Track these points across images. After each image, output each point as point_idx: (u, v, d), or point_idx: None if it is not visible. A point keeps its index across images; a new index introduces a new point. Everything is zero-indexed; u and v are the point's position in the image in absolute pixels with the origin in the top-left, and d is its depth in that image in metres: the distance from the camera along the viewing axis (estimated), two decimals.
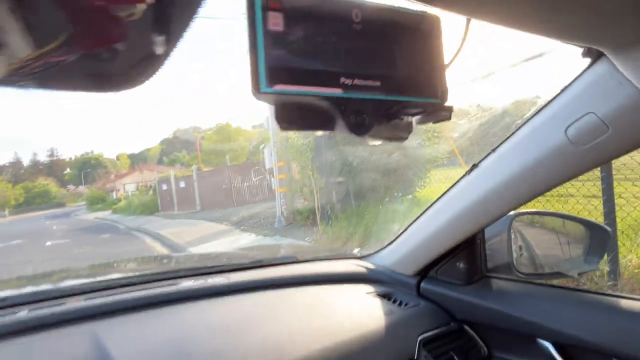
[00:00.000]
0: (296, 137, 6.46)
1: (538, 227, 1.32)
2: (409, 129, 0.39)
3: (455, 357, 0.86)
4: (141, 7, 0.27)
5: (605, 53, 0.49)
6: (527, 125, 0.67)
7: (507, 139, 0.72)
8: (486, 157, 0.77)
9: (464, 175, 0.85)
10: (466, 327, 0.94)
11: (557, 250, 1.20)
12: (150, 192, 18.26)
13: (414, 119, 0.38)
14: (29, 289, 0.91)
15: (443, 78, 0.37)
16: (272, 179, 7.70)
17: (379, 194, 5.85)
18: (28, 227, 15.50)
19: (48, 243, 9.21)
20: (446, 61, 0.38)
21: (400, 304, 0.96)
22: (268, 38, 0.29)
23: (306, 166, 6.66)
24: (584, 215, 3.18)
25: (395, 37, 0.34)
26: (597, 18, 0.42)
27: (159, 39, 0.32)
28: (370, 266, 1.14)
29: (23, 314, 0.75)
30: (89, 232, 11.33)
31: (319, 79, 0.31)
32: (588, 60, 0.53)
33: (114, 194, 26.66)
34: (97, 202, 25.70)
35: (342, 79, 0.32)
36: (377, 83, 0.33)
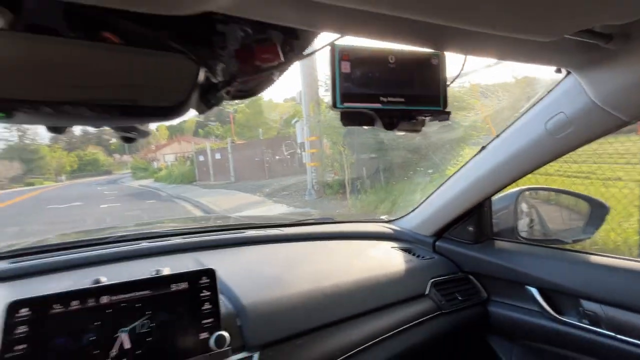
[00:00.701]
0: (329, 113, 6.58)
1: (553, 204, 1.49)
2: (422, 124, 0.61)
3: (459, 297, 1.10)
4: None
5: (571, 71, 0.67)
6: (521, 118, 0.86)
7: (507, 127, 0.91)
8: (492, 141, 0.97)
9: (474, 155, 1.04)
10: (471, 277, 1.17)
11: (562, 222, 1.38)
12: (188, 162, 19.32)
13: (426, 119, 0.61)
14: (142, 230, 1.25)
15: (445, 93, 0.58)
16: (304, 153, 7.95)
17: (409, 171, 5.97)
18: (83, 191, 17.08)
19: (103, 206, 10.27)
20: (447, 82, 0.59)
21: (418, 257, 1.20)
22: (341, 76, 0.52)
23: (337, 142, 6.84)
24: (620, 198, 3.19)
25: (415, 69, 0.56)
26: (566, 49, 0.61)
27: (276, 73, 0.57)
28: (396, 228, 1.38)
29: (145, 244, 1.08)
30: (135, 197, 12.38)
31: (368, 98, 0.54)
32: (564, 74, 0.71)
33: (155, 163, 28.38)
34: (140, 170, 27.56)
35: (381, 98, 0.54)
36: (402, 99, 0.56)
